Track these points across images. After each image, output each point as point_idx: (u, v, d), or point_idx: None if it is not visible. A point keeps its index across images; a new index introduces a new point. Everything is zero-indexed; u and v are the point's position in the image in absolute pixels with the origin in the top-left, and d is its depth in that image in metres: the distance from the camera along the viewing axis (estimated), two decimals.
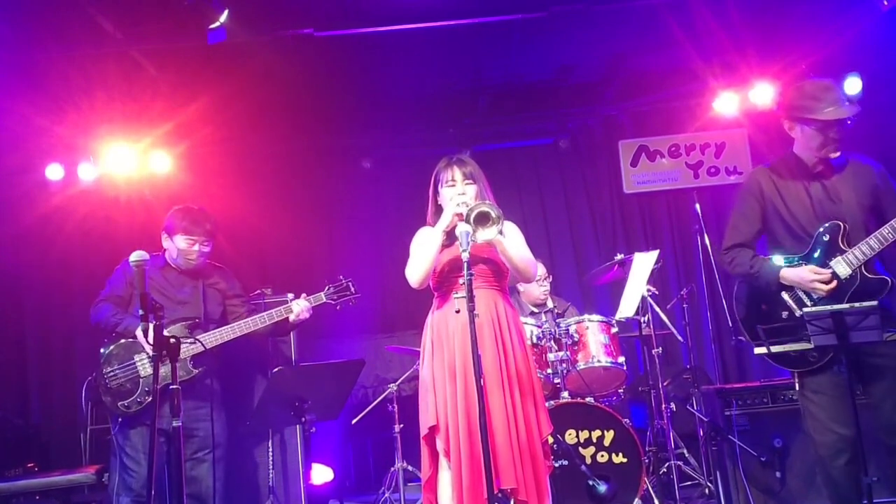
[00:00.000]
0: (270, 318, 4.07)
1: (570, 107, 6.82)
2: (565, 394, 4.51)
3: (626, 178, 6.89)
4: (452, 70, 6.14)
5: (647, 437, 5.06)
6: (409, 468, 5.11)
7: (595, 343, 4.68)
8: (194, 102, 5.58)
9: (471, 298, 2.93)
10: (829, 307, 3.05)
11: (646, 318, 4.93)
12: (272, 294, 4.63)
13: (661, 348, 4.94)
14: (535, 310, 5.34)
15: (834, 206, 3.23)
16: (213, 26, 4.60)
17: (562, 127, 6.88)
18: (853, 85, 5.66)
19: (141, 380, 3.91)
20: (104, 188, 6.22)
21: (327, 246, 6.83)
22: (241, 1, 4.63)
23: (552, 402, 4.35)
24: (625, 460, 4.31)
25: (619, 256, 5.07)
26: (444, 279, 3.37)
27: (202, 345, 3.80)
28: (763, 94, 6.02)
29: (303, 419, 3.79)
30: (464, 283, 2.96)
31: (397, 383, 5.20)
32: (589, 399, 4.46)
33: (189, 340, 3.75)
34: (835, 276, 3.17)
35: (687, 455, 5.24)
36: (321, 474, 5.11)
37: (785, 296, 3.27)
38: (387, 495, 5.21)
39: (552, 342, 4.63)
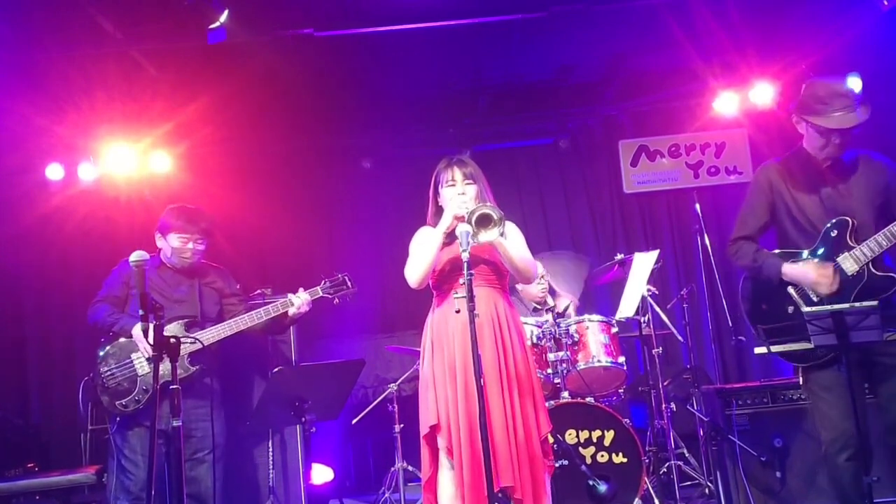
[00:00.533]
0: (268, 314, 4.05)
1: (570, 107, 6.82)
2: (565, 394, 4.51)
3: (626, 178, 6.89)
4: (452, 70, 6.14)
5: (648, 437, 5.06)
6: (409, 468, 5.11)
7: (595, 343, 4.68)
8: (194, 102, 5.58)
9: (471, 298, 2.93)
10: (829, 307, 3.06)
11: (646, 318, 4.93)
12: (272, 294, 4.62)
13: (661, 348, 4.94)
14: (538, 307, 5.34)
15: (843, 202, 3.22)
16: (213, 26, 4.60)
17: (562, 127, 6.88)
18: (853, 85, 5.65)
19: (138, 378, 3.91)
20: (104, 188, 6.22)
21: (327, 246, 6.84)
22: (241, 1, 4.63)
23: (552, 402, 4.35)
24: (625, 460, 4.31)
25: (620, 256, 5.07)
26: (444, 279, 3.37)
27: (199, 342, 3.79)
28: (763, 94, 6.03)
29: (303, 419, 3.78)
30: (464, 283, 2.96)
31: (397, 383, 5.20)
32: (589, 399, 4.46)
33: (189, 340, 3.74)
34: (840, 272, 3.16)
35: (687, 455, 5.24)
36: (321, 474, 5.11)
37: (791, 290, 3.26)
38: (387, 495, 5.21)
39: (552, 342, 4.63)
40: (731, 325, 6.14)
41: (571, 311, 5.28)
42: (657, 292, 5.00)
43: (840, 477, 3.17)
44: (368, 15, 5.02)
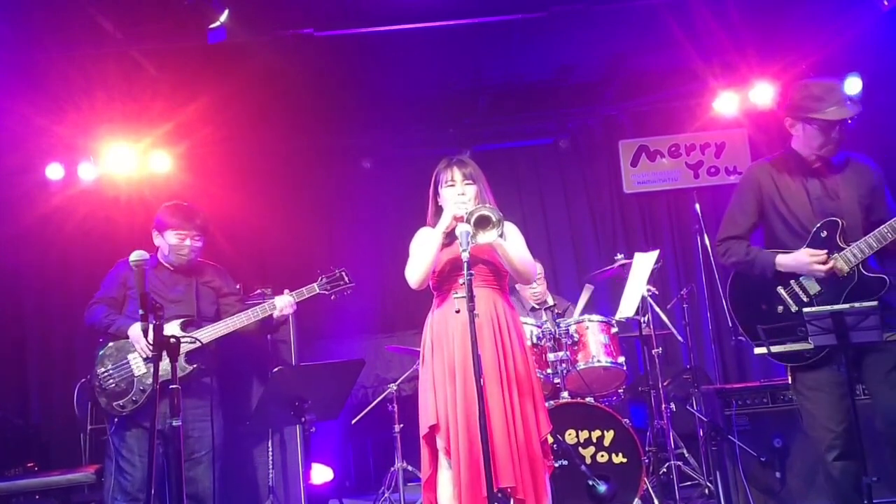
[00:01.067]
0: (255, 315, 4.07)
1: (570, 107, 6.82)
2: (565, 394, 4.51)
3: (626, 178, 6.89)
4: (452, 70, 6.14)
5: (647, 437, 5.06)
6: (409, 468, 5.11)
7: (595, 343, 4.68)
8: (194, 102, 5.58)
9: (471, 298, 2.93)
10: (828, 307, 3.06)
11: (646, 318, 4.93)
12: (272, 294, 4.63)
13: (661, 348, 4.94)
14: (537, 306, 5.34)
15: (832, 203, 3.24)
16: (213, 26, 4.60)
17: (562, 127, 6.88)
18: (853, 85, 5.66)
19: (135, 379, 3.92)
20: (104, 188, 6.22)
21: (327, 246, 6.84)
22: (241, 1, 4.63)
23: (552, 402, 4.35)
24: (625, 460, 4.31)
25: (620, 256, 5.07)
26: (444, 279, 3.37)
27: (198, 341, 3.79)
28: (763, 94, 6.02)
29: (303, 419, 3.78)
30: (464, 283, 2.96)
31: (397, 383, 5.20)
32: (589, 399, 4.46)
33: (188, 340, 3.74)
34: (833, 275, 3.17)
35: (687, 455, 5.23)
36: (321, 474, 5.11)
37: (781, 291, 3.27)
38: (387, 495, 5.21)
39: (552, 342, 4.63)
40: (731, 325, 6.10)
41: (573, 311, 5.29)
42: (657, 292, 5.00)
43: (831, 476, 3.18)
44: (368, 15, 5.02)
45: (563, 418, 4.31)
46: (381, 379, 6.08)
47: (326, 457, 5.32)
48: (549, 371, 4.61)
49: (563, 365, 4.57)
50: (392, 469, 5.19)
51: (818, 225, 3.22)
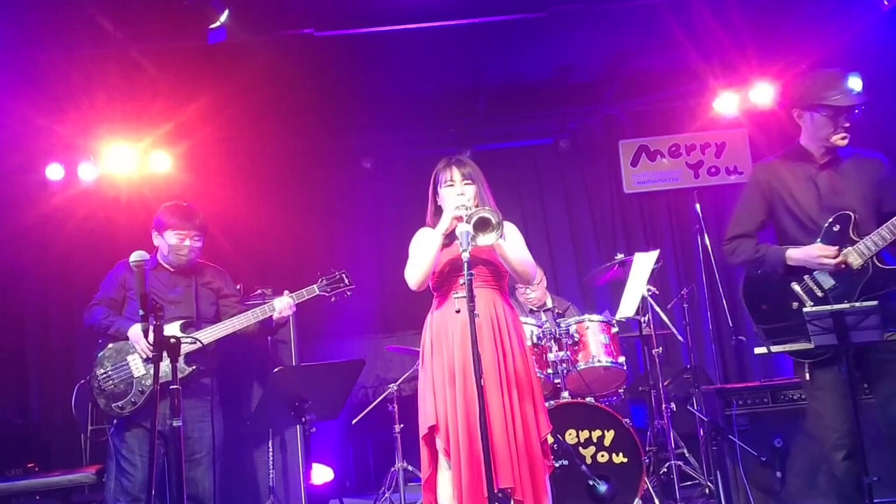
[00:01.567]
0: (255, 317, 4.06)
1: (570, 107, 6.82)
2: (565, 394, 4.51)
3: (626, 178, 6.89)
4: (452, 70, 6.14)
5: (648, 437, 5.06)
6: (409, 468, 5.11)
7: (595, 343, 4.68)
8: (194, 102, 5.58)
9: (471, 298, 2.93)
10: (829, 307, 3.05)
11: (646, 318, 4.93)
12: (272, 294, 4.63)
13: (661, 348, 4.94)
14: (535, 309, 5.34)
15: (840, 198, 3.22)
16: (213, 26, 4.61)
17: (562, 127, 6.88)
18: (854, 84, 5.66)
19: (134, 380, 3.91)
20: (104, 188, 6.22)
21: (327, 246, 6.84)
22: (242, 1, 4.63)
23: (552, 402, 4.35)
24: (625, 460, 4.31)
25: (620, 256, 5.07)
26: (444, 279, 3.37)
27: (199, 342, 3.78)
28: (763, 94, 6.03)
29: (303, 419, 3.78)
30: (464, 284, 2.96)
31: (397, 383, 5.20)
32: (589, 399, 4.46)
33: (189, 340, 3.73)
34: (845, 264, 3.15)
35: (687, 455, 5.23)
36: (321, 474, 5.11)
37: (795, 287, 3.26)
38: (387, 495, 5.21)
39: (552, 342, 4.63)
40: (731, 325, 6.14)
41: (573, 311, 5.29)
42: (657, 292, 5.00)
43: (835, 475, 3.18)
44: (368, 15, 5.02)
45: (563, 418, 4.31)
46: (382, 379, 6.08)
47: (327, 457, 5.31)
48: (550, 371, 4.61)
49: (564, 365, 4.57)
50: (392, 469, 5.18)
51: (830, 219, 3.21)
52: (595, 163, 7.07)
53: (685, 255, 6.87)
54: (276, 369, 3.93)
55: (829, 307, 3.03)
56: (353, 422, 5.38)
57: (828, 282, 3.20)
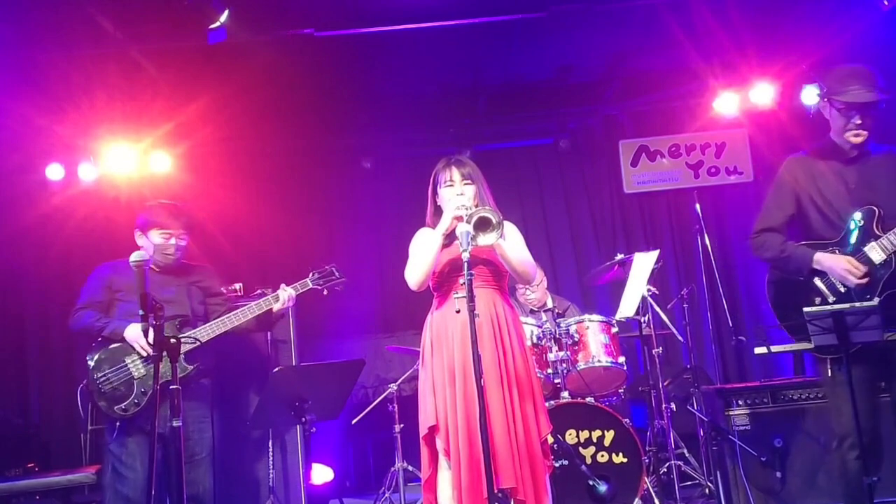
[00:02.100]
0: (260, 308, 4.03)
1: (570, 107, 6.82)
2: (565, 394, 4.51)
3: (626, 178, 6.89)
4: (452, 70, 6.14)
5: (648, 437, 5.06)
6: (409, 468, 5.11)
7: (595, 343, 4.68)
8: (194, 102, 5.58)
9: (471, 298, 2.93)
10: (828, 307, 3.06)
11: (646, 318, 4.93)
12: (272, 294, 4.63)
13: (661, 348, 4.93)
14: (535, 309, 5.34)
15: (870, 193, 3.22)
16: (213, 26, 4.60)
17: (562, 127, 6.87)
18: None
19: (135, 381, 3.86)
20: (104, 188, 6.22)
21: (327, 246, 6.83)
22: (242, 1, 4.63)
23: (552, 402, 4.35)
24: (625, 460, 4.31)
25: (620, 256, 5.07)
26: (444, 279, 3.37)
27: (198, 340, 3.77)
28: (763, 94, 6.02)
29: (303, 419, 3.78)
30: (464, 284, 2.96)
31: (397, 383, 5.20)
32: (589, 399, 4.46)
33: (190, 340, 3.73)
34: (868, 263, 3.16)
35: (687, 455, 5.23)
36: (321, 474, 5.11)
37: (818, 282, 3.26)
38: (387, 495, 5.21)
39: (552, 342, 4.63)
40: (731, 325, 6.15)
41: (573, 311, 5.29)
42: (657, 292, 5.00)
43: (847, 473, 3.17)
44: (368, 15, 5.02)
45: (563, 418, 4.31)
46: (382, 379, 6.07)
47: (327, 457, 5.31)
48: (550, 371, 4.61)
49: (564, 365, 4.57)
50: (392, 469, 5.18)
51: (855, 214, 3.21)
52: (595, 163, 7.07)
53: (685, 255, 6.87)
54: (276, 369, 3.93)
55: (829, 307, 3.04)
56: (353, 422, 5.38)
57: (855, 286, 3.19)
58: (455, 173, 3.37)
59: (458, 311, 3.12)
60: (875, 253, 3.15)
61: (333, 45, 5.29)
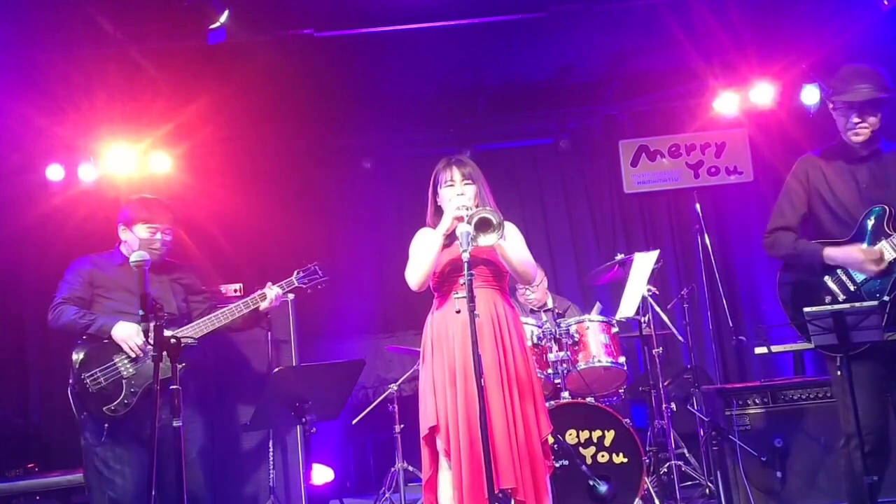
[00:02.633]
0: (246, 307, 3.98)
1: (570, 107, 6.82)
2: (566, 394, 4.51)
3: (626, 178, 6.89)
4: (452, 70, 6.14)
5: (648, 437, 5.05)
6: (410, 468, 5.11)
7: (595, 343, 4.68)
8: (194, 102, 5.57)
9: (471, 299, 2.93)
10: (828, 307, 3.06)
11: (646, 318, 4.93)
12: None
13: (661, 348, 4.93)
14: (536, 309, 5.34)
15: (881, 191, 3.23)
16: (213, 26, 4.60)
17: (562, 127, 6.87)
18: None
19: (124, 381, 3.75)
20: (104, 189, 6.21)
21: (327, 246, 6.82)
22: (242, 1, 4.63)
23: (553, 402, 4.35)
24: (625, 460, 4.31)
25: (620, 256, 5.07)
26: (445, 279, 3.37)
27: (194, 339, 3.72)
28: (763, 94, 6.02)
29: (303, 419, 3.78)
30: (464, 284, 2.96)
31: (398, 383, 5.20)
32: (589, 399, 4.46)
33: (189, 340, 3.70)
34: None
35: (687, 455, 5.24)
36: (321, 474, 5.11)
37: (828, 281, 3.26)
38: (387, 495, 5.21)
39: (552, 342, 4.63)
40: (731, 325, 6.14)
41: (574, 310, 5.28)
42: (657, 292, 5.00)
43: (853, 472, 3.17)
44: (368, 15, 5.02)
45: (563, 418, 4.31)
46: (382, 379, 6.07)
47: (327, 457, 5.32)
48: (550, 371, 4.61)
49: (564, 365, 4.57)
50: (392, 469, 5.19)
51: (866, 212, 3.21)
52: (595, 163, 7.07)
53: (685, 255, 6.87)
54: (276, 369, 3.92)
55: (829, 307, 3.04)
56: (354, 422, 5.38)
57: (860, 276, 3.20)
58: (455, 173, 3.37)
59: (458, 312, 3.12)
60: (887, 252, 3.16)
61: (333, 45, 5.28)
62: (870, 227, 3.21)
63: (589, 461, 4.30)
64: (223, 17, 4.57)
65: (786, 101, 6.01)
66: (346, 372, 3.98)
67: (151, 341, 3.04)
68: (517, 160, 7.09)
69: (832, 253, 3.22)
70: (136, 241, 3.96)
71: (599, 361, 4.63)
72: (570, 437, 4.34)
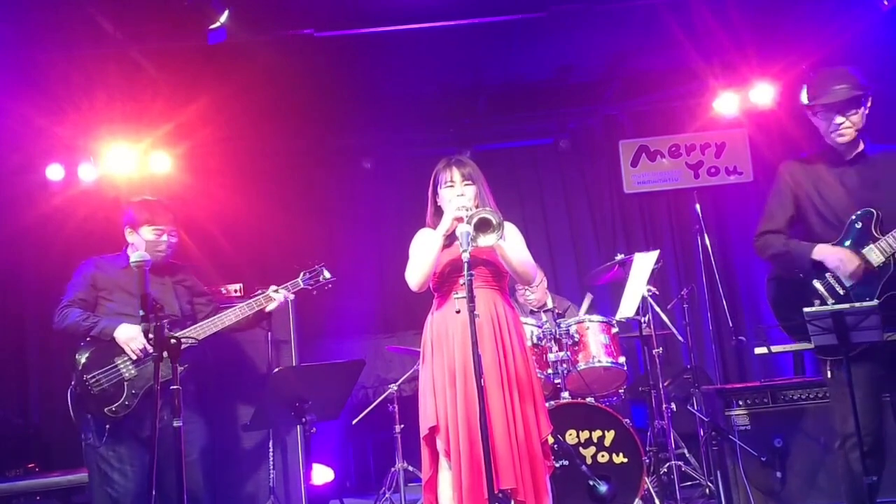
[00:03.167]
0: (251, 308, 3.99)
1: (570, 107, 6.82)
2: (566, 394, 4.51)
3: (626, 178, 6.89)
4: (452, 70, 6.14)
5: (648, 438, 5.06)
6: (410, 468, 5.11)
7: (595, 343, 4.69)
8: (194, 102, 5.57)
9: (471, 299, 2.93)
10: (829, 307, 3.06)
11: (646, 319, 4.93)
12: None
13: (661, 348, 4.93)
14: (536, 310, 5.34)
15: (869, 194, 3.23)
16: (213, 26, 4.60)
17: (562, 127, 6.87)
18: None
19: (125, 383, 3.76)
20: (104, 189, 6.21)
21: (327, 246, 6.82)
22: (242, 1, 4.63)
23: (553, 403, 4.35)
24: (625, 460, 4.31)
25: (620, 256, 5.07)
26: (445, 280, 3.37)
27: (195, 340, 3.73)
28: (763, 94, 6.02)
29: (303, 419, 3.78)
30: (464, 284, 2.96)
31: (398, 383, 5.20)
32: (589, 399, 4.46)
33: (191, 340, 3.71)
34: (867, 264, 3.16)
35: (687, 455, 5.24)
36: (321, 474, 5.11)
37: (817, 284, 3.26)
38: (387, 495, 5.21)
39: (552, 342, 4.63)
40: (731, 325, 6.15)
41: (574, 310, 5.28)
42: (657, 292, 5.00)
43: (850, 472, 3.17)
44: (368, 15, 5.02)
45: (563, 418, 4.31)
46: (382, 379, 6.08)
47: (327, 457, 5.32)
48: (550, 371, 4.61)
49: (564, 365, 4.57)
50: (392, 469, 5.19)
51: (853, 216, 3.22)
52: (595, 163, 7.07)
53: (685, 255, 6.87)
54: (276, 370, 3.93)
55: (829, 307, 3.04)
56: (354, 422, 5.38)
57: (849, 280, 3.20)
58: (455, 174, 3.37)
59: (458, 312, 3.12)
60: (874, 255, 3.16)
61: (333, 45, 5.28)
62: (857, 230, 3.21)
63: (589, 461, 4.30)
64: (223, 18, 4.58)
65: (786, 102, 6.01)
66: (346, 372, 3.98)
67: (152, 342, 3.03)
68: (517, 160, 7.10)
69: (820, 248, 3.24)
70: (143, 243, 3.96)
71: (599, 361, 4.64)
72: (570, 437, 4.34)
